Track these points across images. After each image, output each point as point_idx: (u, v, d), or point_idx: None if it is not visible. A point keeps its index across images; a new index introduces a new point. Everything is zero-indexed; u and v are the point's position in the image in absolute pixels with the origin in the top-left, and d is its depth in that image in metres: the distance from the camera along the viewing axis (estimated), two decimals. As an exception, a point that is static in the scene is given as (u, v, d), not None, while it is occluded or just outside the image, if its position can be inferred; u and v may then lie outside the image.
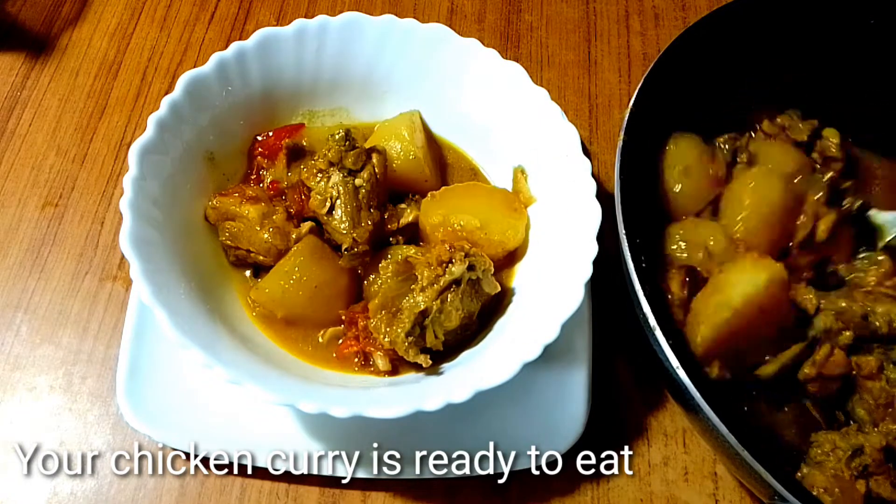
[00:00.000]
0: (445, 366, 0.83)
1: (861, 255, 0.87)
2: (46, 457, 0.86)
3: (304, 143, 0.93)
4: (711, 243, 0.82)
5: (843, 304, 0.80)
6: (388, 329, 0.80)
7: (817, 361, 0.79)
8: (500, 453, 0.84)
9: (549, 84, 1.13)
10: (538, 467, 0.83)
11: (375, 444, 0.84)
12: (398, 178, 0.92)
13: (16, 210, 1.02)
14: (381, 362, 0.83)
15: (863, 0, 0.92)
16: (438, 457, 0.83)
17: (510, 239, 0.88)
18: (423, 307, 0.79)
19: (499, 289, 0.84)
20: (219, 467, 0.86)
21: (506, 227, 0.88)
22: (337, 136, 0.87)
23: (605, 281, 0.89)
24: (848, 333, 0.79)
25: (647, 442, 0.89)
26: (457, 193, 0.91)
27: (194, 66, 0.89)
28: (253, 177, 0.93)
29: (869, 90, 0.97)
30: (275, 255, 0.85)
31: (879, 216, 0.87)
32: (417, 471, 0.83)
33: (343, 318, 0.85)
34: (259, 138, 0.94)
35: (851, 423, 0.79)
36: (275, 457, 0.83)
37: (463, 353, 0.84)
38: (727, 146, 0.91)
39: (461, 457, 0.83)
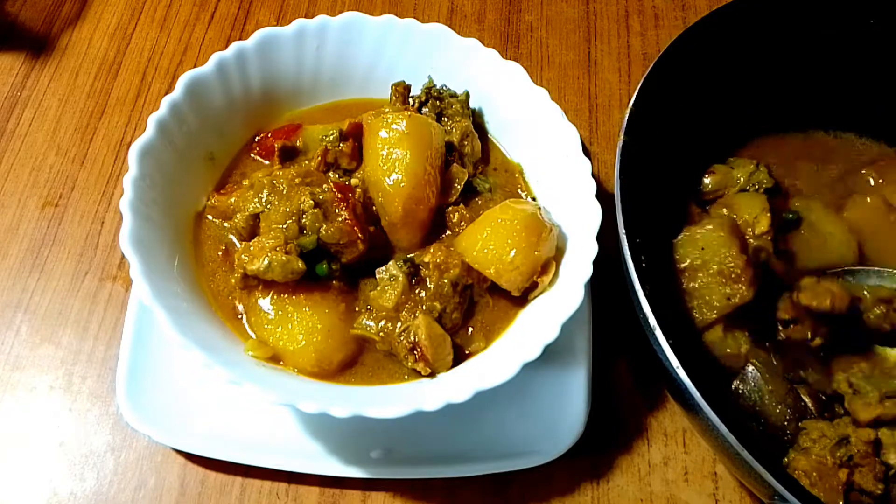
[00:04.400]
0: (445, 366, 0.84)
1: None
2: (46, 457, 0.87)
3: (299, 144, 0.93)
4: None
5: None
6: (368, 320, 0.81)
7: (792, 298, 0.82)
8: (500, 453, 0.84)
9: (549, 84, 1.13)
10: (538, 467, 0.83)
11: (375, 445, 0.84)
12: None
13: (16, 210, 1.02)
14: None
15: (862, 0, 0.92)
16: (438, 457, 0.83)
17: (516, 284, 0.83)
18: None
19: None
20: (219, 467, 0.86)
21: (516, 276, 0.82)
22: (331, 137, 0.87)
23: (605, 281, 0.89)
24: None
25: (647, 442, 0.89)
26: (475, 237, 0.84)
27: (194, 66, 0.89)
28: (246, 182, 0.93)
29: (868, 88, 0.97)
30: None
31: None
32: (417, 471, 0.83)
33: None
34: (257, 139, 0.94)
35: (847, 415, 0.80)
36: (275, 456, 0.83)
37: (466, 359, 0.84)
38: None
39: (461, 457, 0.84)
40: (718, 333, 0.82)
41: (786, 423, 0.79)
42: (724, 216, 0.87)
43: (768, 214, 0.89)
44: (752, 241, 0.87)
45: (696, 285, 0.82)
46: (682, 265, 0.83)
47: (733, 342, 0.82)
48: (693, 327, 0.82)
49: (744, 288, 0.81)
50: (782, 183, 0.96)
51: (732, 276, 0.81)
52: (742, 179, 0.93)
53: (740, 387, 0.81)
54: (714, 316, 0.82)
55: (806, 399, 0.80)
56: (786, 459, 0.77)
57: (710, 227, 0.84)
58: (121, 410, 0.84)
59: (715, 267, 0.82)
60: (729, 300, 0.81)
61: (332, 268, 0.81)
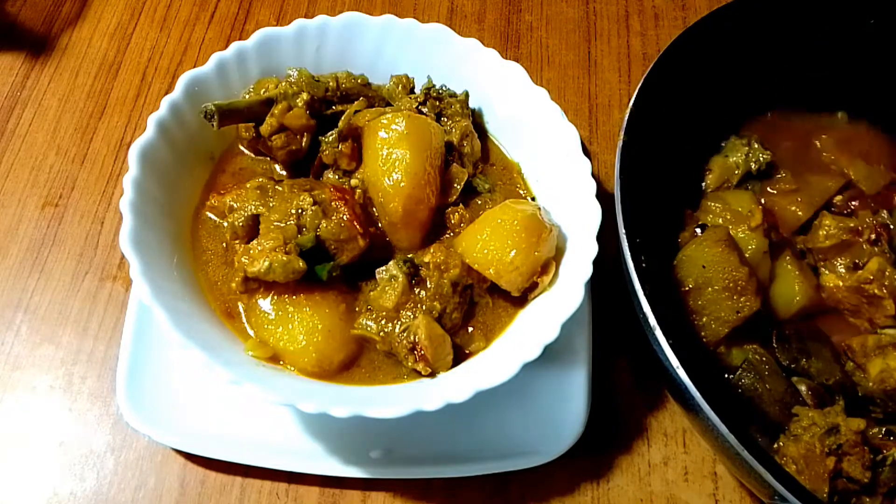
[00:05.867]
0: (445, 366, 0.84)
1: None
2: (46, 457, 0.87)
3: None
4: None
5: None
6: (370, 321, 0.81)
7: (276, 114, 0.84)
8: (500, 453, 0.84)
9: (549, 84, 1.13)
10: (538, 467, 0.83)
11: (375, 445, 0.84)
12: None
13: (16, 210, 1.02)
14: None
15: (862, 0, 0.92)
16: (438, 457, 0.84)
17: (516, 285, 0.83)
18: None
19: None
20: (219, 467, 0.86)
21: (516, 276, 0.82)
22: (329, 139, 0.87)
23: (605, 281, 0.90)
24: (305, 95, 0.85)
25: (647, 442, 0.89)
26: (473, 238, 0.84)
27: (194, 66, 0.89)
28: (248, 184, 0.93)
29: (867, 88, 0.97)
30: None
31: None
32: (417, 471, 0.83)
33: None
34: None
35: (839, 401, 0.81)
36: (275, 456, 0.83)
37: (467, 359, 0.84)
38: None
39: (461, 457, 0.84)
40: (721, 349, 0.83)
41: (783, 420, 0.79)
42: (719, 228, 0.86)
43: (759, 207, 0.89)
44: (747, 231, 0.87)
45: (703, 303, 0.82)
46: (687, 286, 0.83)
47: (740, 353, 0.83)
48: (703, 344, 0.83)
49: (751, 299, 0.81)
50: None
51: (738, 288, 0.81)
52: (740, 164, 0.94)
53: (738, 385, 0.81)
54: (726, 331, 0.82)
55: (806, 398, 0.81)
56: (775, 445, 0.78)
57: (706, 243, 0.84)
58: (121, 410, 0.84)
59: (720, 284, 0.82)
60: (738, 313, 0.81)
61: (333, 275, 0.80)
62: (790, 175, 0.95)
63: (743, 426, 0.66)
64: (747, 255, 0.85)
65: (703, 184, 0.95)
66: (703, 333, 0.82)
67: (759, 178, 0.95)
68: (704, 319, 0.82)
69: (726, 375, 0.82)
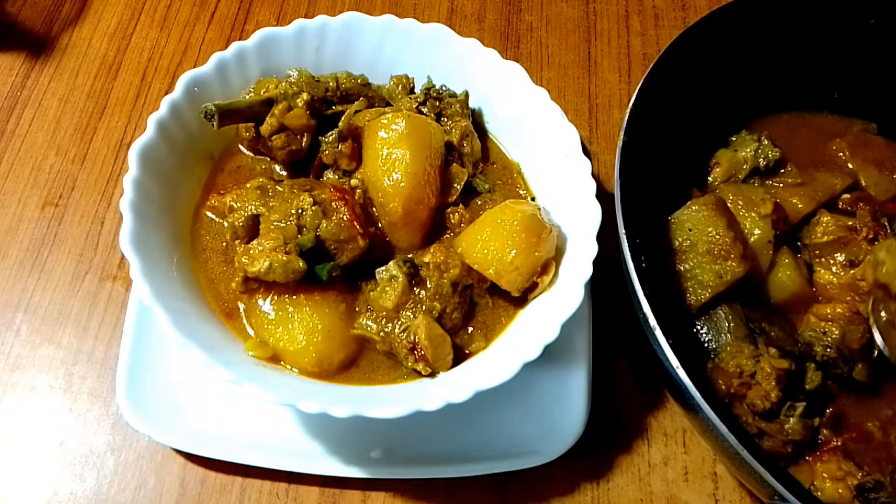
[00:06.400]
0: (445, 366, 0.84)
1: None
2: (46, 457, 0.87)
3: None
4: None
5: None
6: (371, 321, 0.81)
7: (276, 114, 0.84)
8: (500, 453, 0.84)
9: (549, 84, 1.13)
10: (538, 467, 0.83)
11: (375, 445, 0.84)
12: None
13: (16, 210, 1.02)
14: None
15: (862, 0, 0.92)
16: (438, 457, 0.84)
17: (516, 285, 0.83)
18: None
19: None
20: (219, 467, 0.86)
21: (516, 277, 0.82)
22: (329, 139, 0.87)
23: (605, 281, 0.89)
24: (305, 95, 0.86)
25: (647, 442, 0.89)
26: (474, 238, 0.84)
27: (194, 66, 0.89)
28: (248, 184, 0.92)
29: (868, 87, 0.97)
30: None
31: None
32: (417, 471, 0.83)
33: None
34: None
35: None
36: (275, 456, 0.83)
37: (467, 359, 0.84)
38: None
39: (461, 457, 0.84)
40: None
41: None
42: (711, 195, 0.87)
43: (771, 199, 0.89)
44: (756, 218, 0.88)
45: (688, 266, 0.83)
46: (673, 249, 0.83)
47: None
48: (687, 309, 0.83)
49: (734, 264, 0.82)
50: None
51: (721, 253, 0.82)
52: (749, 160, 0.93)
53: (704, 325, 0.82)
54: (708, 294, 0.82)
55: (762, 346, 0.81)
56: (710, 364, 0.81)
57: (696, 207, 0.84)
58: (121, 410, 0.84)
59: (703, 247, 0.82)
60: (721, 278, 0.82)
61: (333, 275, 0.81)
62: (797, 170, 0.94)
63: (743, 426, 0.66)
64: (751, 241, 0.86)
65: (710, 177, 0.95)
66: (688, 296, 0.82)
67: (766, 174, 0.94)
68: (688, 284, 0.83)
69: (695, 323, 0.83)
